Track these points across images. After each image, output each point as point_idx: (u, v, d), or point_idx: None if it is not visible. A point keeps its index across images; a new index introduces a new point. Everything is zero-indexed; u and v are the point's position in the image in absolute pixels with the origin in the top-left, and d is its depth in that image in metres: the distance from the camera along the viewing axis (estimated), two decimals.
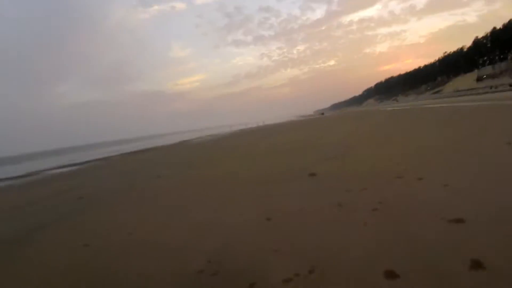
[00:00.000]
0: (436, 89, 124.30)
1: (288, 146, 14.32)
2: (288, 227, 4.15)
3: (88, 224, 6.01)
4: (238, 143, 22.98)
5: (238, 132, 47.49)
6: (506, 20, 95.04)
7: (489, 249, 2.84)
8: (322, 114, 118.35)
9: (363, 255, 3.08)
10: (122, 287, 3.29)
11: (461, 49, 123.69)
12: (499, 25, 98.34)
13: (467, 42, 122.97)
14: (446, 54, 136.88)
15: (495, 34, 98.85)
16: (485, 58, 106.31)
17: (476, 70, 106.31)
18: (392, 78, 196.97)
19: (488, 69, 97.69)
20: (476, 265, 2.64)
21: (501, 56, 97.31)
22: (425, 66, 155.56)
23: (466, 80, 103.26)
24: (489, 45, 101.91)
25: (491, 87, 59.45)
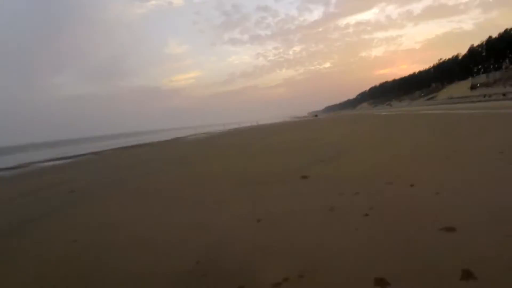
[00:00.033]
0: (430, 96, 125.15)
1: (281, 147, 14.32)
2: (278, 230, 4.12)
3: (78, 219, 5.94)
4: (231, 142, 22.93)
5: (231, 131, 47.36)
6: (502, 29, 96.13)
7: (480, 259, 2.83)
8: (316, 116, 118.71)
9: (354, 261, 3.07)
10: (108, 284, 3.25)
11: (456, 56, 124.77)
12: (495, 34, 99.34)
13: (463, 50, 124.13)
14: (441, 61, 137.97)
15: (490, 43, 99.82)
16: (480, 66, 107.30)
17: (470, 78, 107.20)
18: (386, 82, 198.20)
19: (482, 78, 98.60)
20: (467, 275, 2.63)
21: (496, 65, 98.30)
22: (420, 72, 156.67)
23: (460, 87, 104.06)
24: (484, 53, 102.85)
25: (484, 96, 60.01)
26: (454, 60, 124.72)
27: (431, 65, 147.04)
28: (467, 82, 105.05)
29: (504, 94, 48.03)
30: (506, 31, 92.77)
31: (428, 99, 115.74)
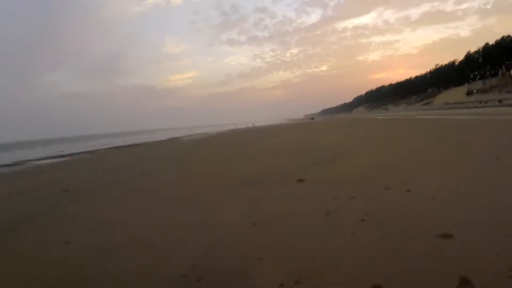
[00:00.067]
0: (426, 101, 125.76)
1: (277, 149, 14.33)
2: (274, 234, 4.08)
3: (72, 219, 5.86)
4: (228, 143, 22.90)
5: (228, 132, 47.29)
6: (499, 36, 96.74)
7: (478, 267, 2.81)
8: (312, 119, 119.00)
9: (351, 267, 3.04)
10: (100, 286, 3.20)
11: (453, 62, 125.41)
12: (492, 41, 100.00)
13: (460, 56, 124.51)
14: (438, 66, 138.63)
15: (487, 49, 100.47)
16: (476, 72, 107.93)
17: (466, 84, 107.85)
18: (383, 87, 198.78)
19: (478, 84, 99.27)
20: (465, 283, 2.61)
21: (492, 72, 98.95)
22: (417, 77, 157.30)
23: (456, 93, 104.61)
24: (480, 60, 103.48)
25: (480, 102, 60.36)
26: (451, 66, 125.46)
27: (428, 70, 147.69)
28: (463, 88, 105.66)
29: (500, 101, 48.36)
30: (503, 38, 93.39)
31: (424, 104, 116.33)
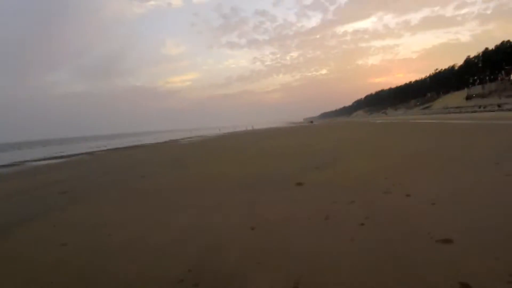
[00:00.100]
0: (426, 105, 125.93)
1: (276, 152, 14.32)
2: (272, 239, 4.05)
3: (69, 221, 5.82)
4: (227, 145, 22.87)
5: (227, 135, 47.24)
6: (498, 41, 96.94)
7: (478, 272, 2.79)
8: (311, 122, 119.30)
9: (350, 272, 3.00)
10: None
11: (453, 67, 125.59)
12: (491, 46, 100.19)
13: (459, 61, 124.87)
14: (437, 71, 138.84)
15: (487, 54, 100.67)
16: (476, 77, 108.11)
17: (466, 89, 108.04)
18: (382, 91, 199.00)
19: (478, 89, 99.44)
20: None
21: (492, 77, 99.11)
22: (416, 82, 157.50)
23: (456, 97, 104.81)
24: (480, 65, 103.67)
25: (479, 106, 60.42)
26: (450, 71, 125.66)
27: (428, 74, 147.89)
28: (463, 93, 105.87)
29: (499, 105, 48.43)
30: (503, 43, 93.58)
31: (424, 108, 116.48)
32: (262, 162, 11.55)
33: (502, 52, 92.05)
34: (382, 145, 14.27)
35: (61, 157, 28.78)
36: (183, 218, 5.25)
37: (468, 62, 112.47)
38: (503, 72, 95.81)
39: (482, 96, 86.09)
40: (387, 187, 6.02)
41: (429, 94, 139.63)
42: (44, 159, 28.02)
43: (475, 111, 49.84)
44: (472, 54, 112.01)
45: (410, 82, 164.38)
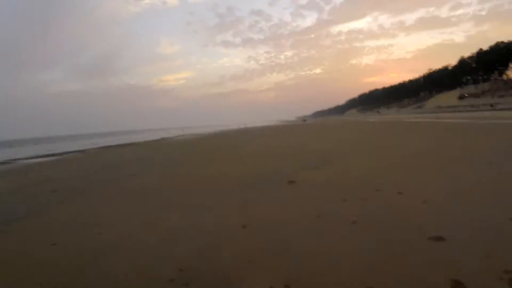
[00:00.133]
0: (419, 104, 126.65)
1: (269, 152, 14.27)
2: (264, 237, 4.02)
3: (60, 220, 5.72)
4: (219, 144, 22.80)
5: (220, 134, 47.11)
6: (493, 42, 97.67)
7: (470, 269, 2.79)
8: (304, 120, 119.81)
9: (342, 270, 2.98)
10: None
11: (446, 67, 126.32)
12: (485, 46, 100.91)
13: (453, 61, 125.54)
14: (431, 71, 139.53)
15: (481, 55, 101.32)
16: (469, 77, 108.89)
17: (458, 88, 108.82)
18: (376, 90, 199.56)
19: (471, 88, 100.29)
20: (457, 285, 2.57)
21: (485, 77, 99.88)
22: (410, 81, 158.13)
23: (449, 97, 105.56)
24: (474, 65, 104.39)
25: (472, 106, 60.86)
26: (444, 71, 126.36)
27: (421, 74, 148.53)
28: (456, 92, 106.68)
29: (492, 105, 48.81)
30: (497, 44, 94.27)
31: (417, 107, 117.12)
32: (253, 161, 11.49)
33: (496, 53, 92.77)
34: (375, 144, 14.27)
35: (53, 155, 28.50)
36: (174, 217, 5.19)
37: (462, 62, 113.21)
38: (496, 72, 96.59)
39: (475, 95, 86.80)
40: (380, 185, 6.05)
41: (422, 94, 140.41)
42: (36, 157, 27.76)
43: (468, 111, 50.27)
44: (466, 54, 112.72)
45: (404, 81, 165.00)
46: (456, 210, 4.36)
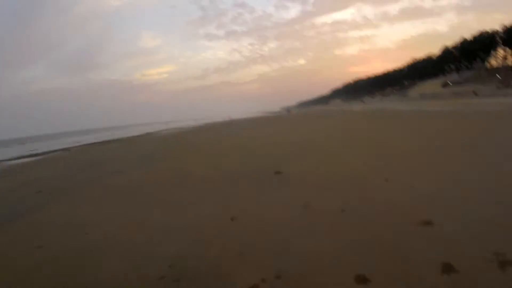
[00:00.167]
0: (402, 92, 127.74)
1: (254, 143, 14.15)
2: (253, 228, 3.99)
3: (44, 221, 5.57)
4: (204, 137, 22.59)
5: (204, 126, 46.75)
6: (475, 31, 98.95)
7: (459, 252, 2.82)
8: (288, 111, 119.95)
9: (333, 258, 2.98)
10: None
11: (430, 57, 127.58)
12: (468, 36, 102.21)
13: (437, 50, 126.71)
14: (415, 60, 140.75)
15: (464, 44, 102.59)
16: (452, 66, 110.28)
17: (442, 77, 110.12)
18: (360, 80, 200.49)
19: (454, 76, 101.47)
20: (448, 268, 2.59)
21: (468, 66, 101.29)
22: (394, 71, 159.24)
23: (432, 85, 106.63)
24: (457, 54, 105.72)
25: (455, 94, 61.60)
26: (428, 60, 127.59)
27: (405, 64, 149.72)
28: (439, 80, 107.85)
29: (475, 93, 49.47)
30: (481, 33, 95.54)
31: (400, 96, 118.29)
32: (239, 153, 11.32)
33: (479, 42, 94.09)
34: (360, 133, 14.30)
35: (37, 154, 27.94)
36: (161, 214, 5.11)
37: (445, 51, 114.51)
38: (479, 60, 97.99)
39: (458, 83, 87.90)
40: (366, 172, 6.16)
41: (406, 82, 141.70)
42: (20, 157, 27.17)
43: (451, 98, 50.98)
44: (449, 43, 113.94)
45: (388, 71, 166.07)
46: (442, 196, 4.41)
